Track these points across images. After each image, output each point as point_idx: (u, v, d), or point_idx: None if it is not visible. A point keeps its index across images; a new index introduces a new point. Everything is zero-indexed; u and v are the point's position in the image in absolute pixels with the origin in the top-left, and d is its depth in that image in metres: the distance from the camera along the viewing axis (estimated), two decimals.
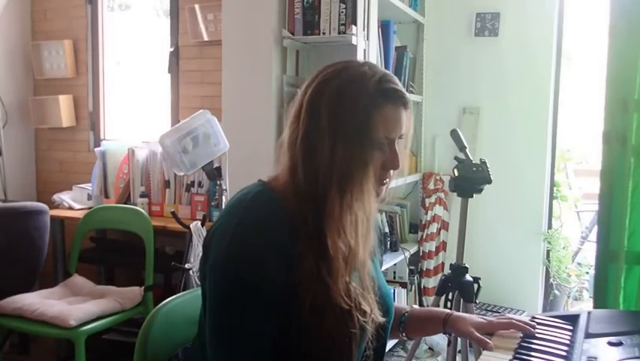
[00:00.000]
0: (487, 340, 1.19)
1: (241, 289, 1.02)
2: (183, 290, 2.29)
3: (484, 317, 1.28)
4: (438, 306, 2.20)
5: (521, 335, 1.22)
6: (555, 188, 3.53)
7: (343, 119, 1.04)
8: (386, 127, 1.07)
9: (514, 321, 1.24)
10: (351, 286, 1.09)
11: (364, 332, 1.10)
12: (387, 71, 1.14)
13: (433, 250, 3.35)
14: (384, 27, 2.92)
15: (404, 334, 1.36)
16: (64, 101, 3.76)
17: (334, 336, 1.06)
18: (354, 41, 2.48)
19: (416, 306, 1.45)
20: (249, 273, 1.02)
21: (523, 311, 3.13)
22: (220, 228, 1.09)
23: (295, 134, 1.08)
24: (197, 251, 2.47)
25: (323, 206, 1.06)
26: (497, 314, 1.30)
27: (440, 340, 3.07)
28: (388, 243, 3.11)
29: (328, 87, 1.07)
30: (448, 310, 1.33)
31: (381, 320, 1.14)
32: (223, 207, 2.51)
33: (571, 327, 1.26)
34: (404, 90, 1.11)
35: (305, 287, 1.03)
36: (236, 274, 1.03)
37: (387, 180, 1.13)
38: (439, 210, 3.33)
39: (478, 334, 1.22)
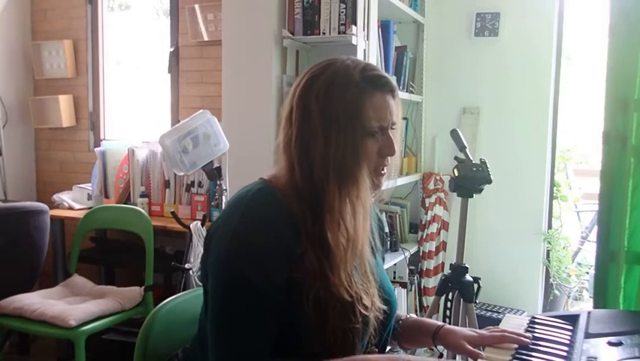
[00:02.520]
0: (479, 352, 1.15)
1: (242, 286, 1.03)
2: (183, 290, 2.29)
3: (476, 330, 1.24)
4: (438, 306, 2.20)
5: (516, 346, 1.16)
6: (555, 188, 3.52)
7: (334, 110, 1.07)
8: (376, 114, 1.09)
9: (507, 334, 1.19)
10: (352, 279, 1.09)
11: (367, 326, 1.11)
12: (369, 62, 1.17)
13: (433, 250, 3.35)
14: (384, 27, 2.92)
15: (395, 341, 1.33)
16: (64, 101, 3.76)
17: (337, 332, 1.06)
18: (354, 41, 2.48)
19: (414, 315, 1.41)
20: (249, 270, 1.03)
21: (524, 311, 3.13)
22: (221, 226, 1.10)
23: (289, 135, 1.11)
24: (197, 251, 2.47)
25: (321, 201, 1.07)
26: (492, 328, 1.24)
27: None
28: (388, 243, 3.11)
29: (316, 84, 1.10)
30: (439, 323, 1.28)
31: (384, 307, 1.14)
32: (223, 207, 2.51)
33: (571, 327, 1.26)
34: (389, 77, 1.13)
35: (307, 284, 1.05)
36: (237, 271, 1.03)
37: (385, 168, 1.14)
38: (439, 210, 3.33)
39: (469, 346, 1.17)
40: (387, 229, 3.09)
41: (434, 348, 1.29)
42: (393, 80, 1.14)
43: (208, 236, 1.13)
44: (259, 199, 1.09)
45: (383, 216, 3.10)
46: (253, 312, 1.03)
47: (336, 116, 1.06)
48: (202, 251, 2.29)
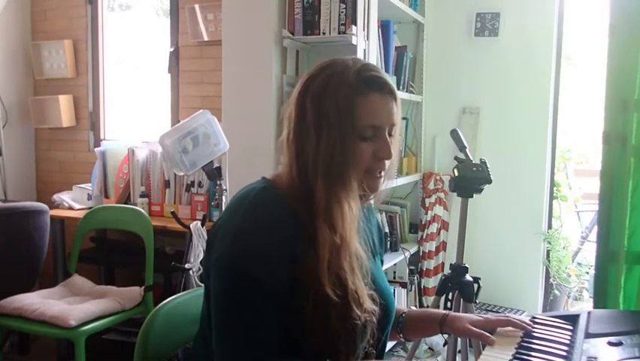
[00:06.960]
0: (488, 334, 1.19)
1: (245, 285, 1.03)
2: (183, 290, 2.29)
3: (481, 315, 1.28)
4: (438, 306, 2.20)
5: (521, 333, 1.21)
6: (555, 188, 3.53)
7: (326, 110, 1.07)
8: (371, 115, 1.08)
9: (511, 319, 1.24)
10: (344, 280, 1.09)
11: (365, 327, 1.11)
12: (370, 62, 1.17)
13: (433, 250, 3.35)
14: (384, 27, 2.92)
15: (402, 335, 1.36)
16: (64, 101, 3.76)
17: (340, 332, 1.07)
18: (354, 41, 2.48)
19: (414, 307, 1.44)
20: (253, 269, 1.03)
21: (523, 311, 3.13)
22: (223, 225, 1.10)
23: (288, 134, 1.12)
24: (197, 251, 2.47)
25: (313, 200, 1.08)
26: (497, 314, 1.30)
27: (440, 340, 3.07)
28: (388, 243, 3.11)
29: (313, 83, 1.11)
30: (445, 311, 1.33)
31: (374, 307, 1.13)
32: (223, 207, 2.51)
33: (571, 327, 1.26)
34: (387, 78, 1.12)
35: (308, 284, 1.05)
36: (240, 270, 1.03)
37: (381, 172, 1.14)
38: (439, 210, 3.33)
39: (476, 329, 1.21)
40: (386, 229, 3.09)
41: (443, 335, 1.34)
42: (392, 81, 1.13)
43: (210, 236, 1.12)
44: (262, 198, 1.09)
45: (383, 217, 3.10)
46: (260, 311, 1.03)
47: (327, 116, 1.07)
48: (202, 251, 2.28)
